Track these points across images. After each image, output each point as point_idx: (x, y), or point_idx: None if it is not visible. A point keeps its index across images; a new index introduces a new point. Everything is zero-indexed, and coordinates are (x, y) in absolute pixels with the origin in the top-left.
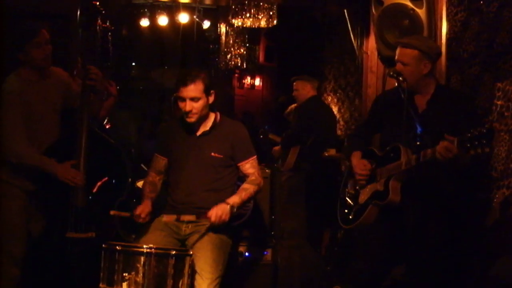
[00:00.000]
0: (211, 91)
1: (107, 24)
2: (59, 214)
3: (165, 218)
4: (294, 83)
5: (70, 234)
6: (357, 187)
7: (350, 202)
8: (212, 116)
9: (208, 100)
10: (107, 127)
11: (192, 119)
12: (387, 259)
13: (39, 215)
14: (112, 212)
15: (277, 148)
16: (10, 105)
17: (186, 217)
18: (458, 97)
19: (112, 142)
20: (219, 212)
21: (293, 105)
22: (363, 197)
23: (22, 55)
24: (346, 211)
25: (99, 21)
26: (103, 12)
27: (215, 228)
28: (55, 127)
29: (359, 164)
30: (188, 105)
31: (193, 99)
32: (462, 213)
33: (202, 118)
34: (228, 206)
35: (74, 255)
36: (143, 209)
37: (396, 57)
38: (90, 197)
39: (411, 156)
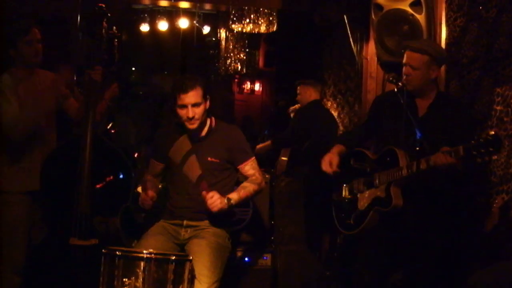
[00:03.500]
0: (208, 97)
1: (114, 29)
2: (61, 220)
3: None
4: (298, 87)
5: (73, 240)
6: (355, 192)
7: (348, 207)
8: (207, 121)
9: (206, 105)
10: (112, 131)
11: (194, 125)
12: (387, 264)
13: (40, 221)
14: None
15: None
16: (5, 96)
17: (189, 173)
18: (457, 104)
19: (117, 148)
20: (215, 196)
21: (297, 105)
22: (362, 203)
23: (14, 51)
24: (343, 215)
25: (105, 24)
26: (109, 15)
27: (213, 219)
28: (50, 130)
29: (329, 158)
30: (191, 112)
31: (195, 105)
32: (462, 215)
33: (202, 124)
34: (225, 199)
35: (77, 262)
36: (148, 194)
37: (405, 60)
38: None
39: (411, 162)
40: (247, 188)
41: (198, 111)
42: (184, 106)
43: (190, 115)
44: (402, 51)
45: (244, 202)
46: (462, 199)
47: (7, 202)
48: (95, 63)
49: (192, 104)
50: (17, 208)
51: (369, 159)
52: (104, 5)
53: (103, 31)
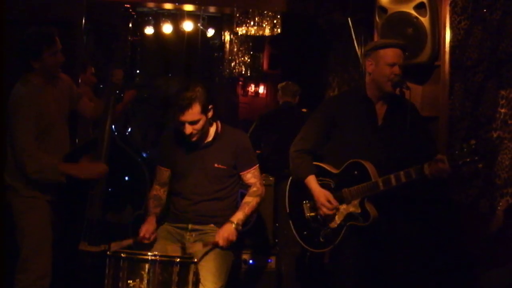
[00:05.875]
0: (210, 107)
1: (138, 35)
2: (72, 225)
3: (169, 249)
4: None
5: (83, 246)
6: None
7: (313, 225)
8: (213, 127)
9: (207, 117)
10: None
11: (194, 138)
12: (366, 278)
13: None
14: (113, 248)
15: None
16: (23, 113)
17: (192, 246)
18: (408, 107)
19: (133, 154)
20: (225, 234)
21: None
22: (334, 221)
23: (37, 62)
24: (305, 233)
25: (130, 26)
26: (135, 16)
27: (218, 224)
28: (65, 134)
29: (322, 197)
30: (188, 129)
31: (192, 123)
32: (436, 217)
33: (204, 134)
34: (233, 226)
35: (86, 267)
36: (147, 229)
37: (398, 59)
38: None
39: (390, 175)
40: (250, 203)
41: (197, 127)
42: (182, 123)
43: (187, 132)
44: (377, 48)
45: (249, 218)
46: (436, 200)
47: (32, 208)
48: (118, 65)
49: (189, 122)
50: (42, 213)
51: (331, 173)
52: (129, 7)
53: (129, 34)
